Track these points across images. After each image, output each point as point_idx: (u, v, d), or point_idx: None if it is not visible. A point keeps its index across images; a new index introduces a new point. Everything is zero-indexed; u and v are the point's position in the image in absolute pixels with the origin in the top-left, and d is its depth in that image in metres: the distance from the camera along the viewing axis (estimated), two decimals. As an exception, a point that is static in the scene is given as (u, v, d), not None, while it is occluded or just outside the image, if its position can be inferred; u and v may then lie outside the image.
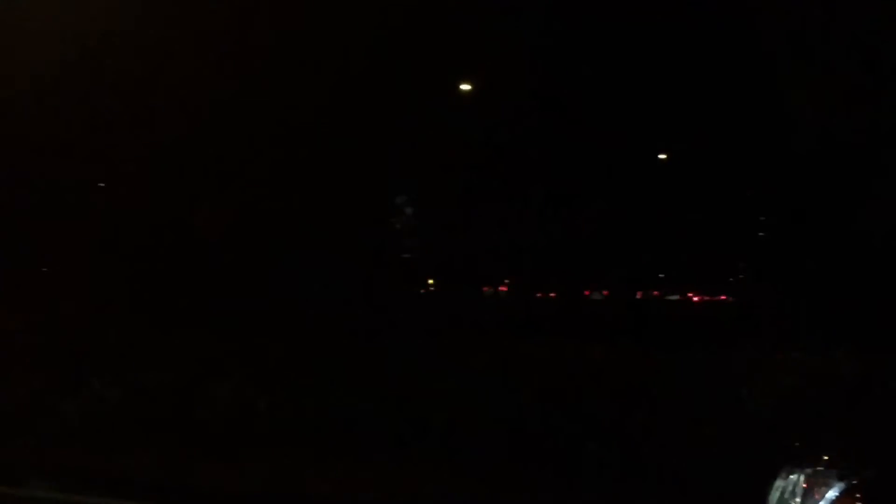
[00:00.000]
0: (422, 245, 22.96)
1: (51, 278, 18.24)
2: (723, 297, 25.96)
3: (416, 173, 21.24)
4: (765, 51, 16.99)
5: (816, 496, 5.31)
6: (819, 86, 16.48)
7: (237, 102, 18.12)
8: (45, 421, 12.57)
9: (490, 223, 21.86)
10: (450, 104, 20.89)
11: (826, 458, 5.50)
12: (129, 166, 18.40)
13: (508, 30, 18.43)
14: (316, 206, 19.98)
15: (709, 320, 21.92)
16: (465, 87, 21.06)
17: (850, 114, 16.50)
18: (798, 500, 5.34)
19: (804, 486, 5.32)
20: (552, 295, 25.74)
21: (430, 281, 25.07)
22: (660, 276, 25.90)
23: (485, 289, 26.00)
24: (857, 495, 5.29)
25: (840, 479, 5.35)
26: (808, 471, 5.36)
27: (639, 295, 26.34)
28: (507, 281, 26.05)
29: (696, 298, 26.43)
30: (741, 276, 25.29)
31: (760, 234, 23.52)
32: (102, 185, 19.09)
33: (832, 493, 5.29)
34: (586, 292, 26.28)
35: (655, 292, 26.34)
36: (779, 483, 5.41)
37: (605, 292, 26.16)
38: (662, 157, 23.08)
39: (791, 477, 5.38)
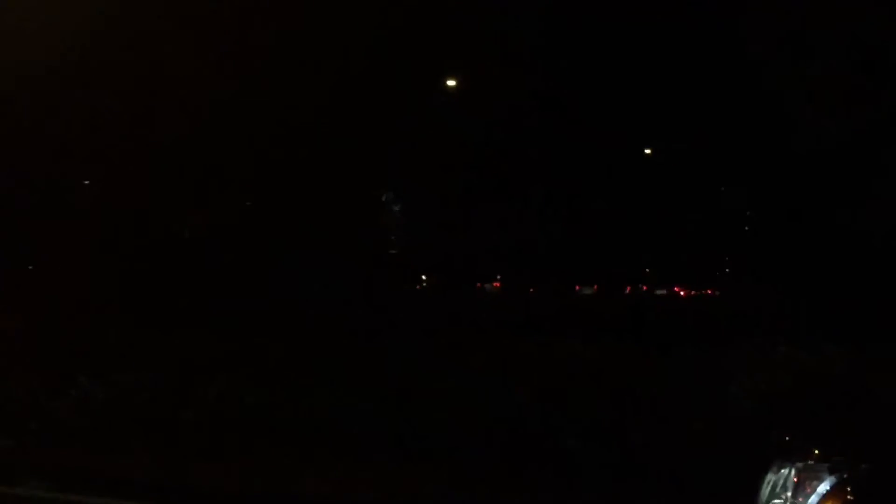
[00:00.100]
0: (417, 243, 23.03)
1: (50, 278, 18.20)
2: (709, 292, 26.43)
3: (412, 172, 21.29)
4: (759, 50, 17.15)
5: (808, 490, 5.36)
6: (813, 84, 16.67)
7: (236, 102, 18.14)
8: (44, 420, 12.57)
9: (484, 221, 22.01)
10: (445, 102, 20.92)
11: (817, 452, 5.56)
12: (129, 166, 18.41)
13: (502, 27, 18.49)
14: (314, 205, 20.01)
15: (699, 315, 22.10)
16: (455, 83, 21.03)
17: (842, 112, 16.57)
18: (789, 493, 5.40)
19: (795, 479, 5.38)
20: (543, 290, 25.96)
21: (424, 277, 25.25)
22: (646, 270, 26.34)
23: (478, 285, 26.37)
24: (849, 489, 5.34)
25: (831, 472, 5.40)
26: (799, 465, 5.42)
27: (628, 290, 26.88)
28: (499, 277, 26.37)
29: (682, 293, 26.93)
30: (727, 271, 25.76)
31: (745, 228, 23.72)
32: (101, 184, 19.01)
33: (823, 487, 5.34)
34: (577, 287, 26.81)
35: (644, 287, 26.85)
36: (769, 477, 5.47)
37: (595, 287, 26.69)
38: (648, 152, 23.22)
39: (782, 471, 5.44)
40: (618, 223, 22.97)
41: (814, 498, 5.27)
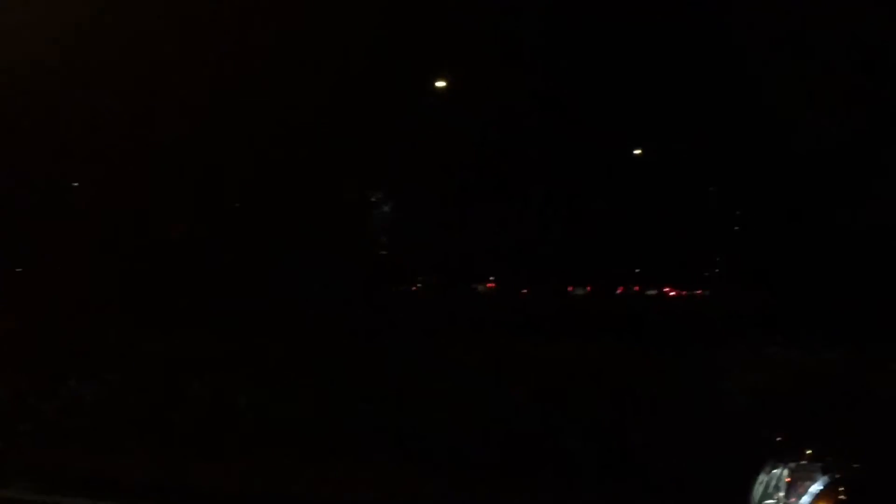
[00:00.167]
0: (412, 242, 23.05)
1: (48, 278, 18.15)
2: (698, 292, 26.46)
3: (409, 172, 21.25)
4: (756, 50, 17.26)
5: (800, 490, 5.40)
6: (812, 84, 16.67)
7: (235, 102, 18.07)
8: (36, 421, 12.54)
9: (479, 221, 22.02)
10: (441, 101, 20.83)
11: (809, 452, 5.60)
12: (127, 166, 18.36)
13: (488, 24, 18.47)
14: (312, 205, 19.96)
15: (692, 315, 22.16)
16: (448, 82, 20.92)
17: (841, 112, 16.54)
18: (782, 494, 5.43)
19: (787, 480, 5.42)
20: (539, 291, 25.99)
21: (420, 279, 25.21)
22: (636, 270, 26.36)
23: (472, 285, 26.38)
24: (841, 489, 5.37)
25: (824, 472, 5.43)
26: (792, 465, 5.43)
27: (620, 290, 26.96)
28: (492, 278, 26.34)
29: (672, 293, 26.98)
30: (717, 271, 25.80)
31: (736, 228, 23.74)
32: (99, 184, 18.90)
33: (816, 487, 5.37)
34: (570, 287, 26.71)
35: (636, 287, 26.91)
36: (762, 478, 5.50)
37: (588, 288, 26.66)
38: (639, 152, 23.24)
39: (774, 471, 5.47)
40: (612, 223, 23.04)
41: (806, 498, 5.28)
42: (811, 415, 9.54)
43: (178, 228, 18.88)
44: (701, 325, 18.46)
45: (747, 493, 5.53)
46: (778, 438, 6.04)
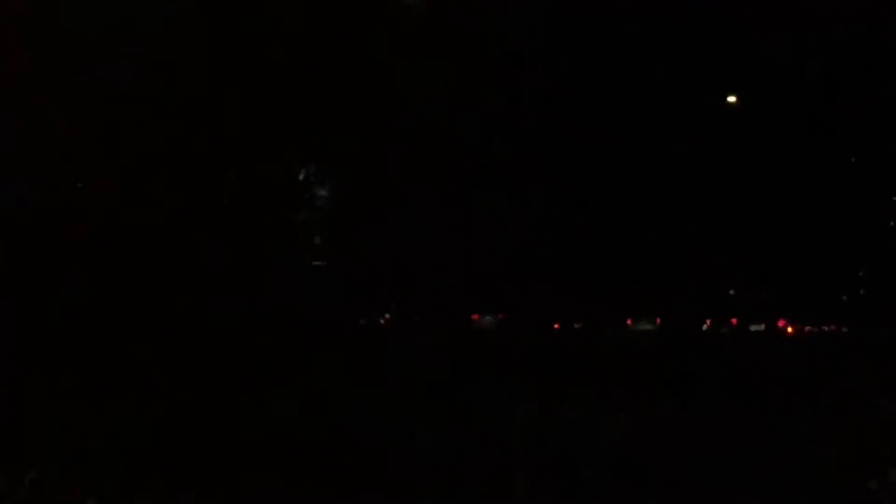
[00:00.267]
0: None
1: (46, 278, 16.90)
2: (830, 328, 19.45)
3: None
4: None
5: None
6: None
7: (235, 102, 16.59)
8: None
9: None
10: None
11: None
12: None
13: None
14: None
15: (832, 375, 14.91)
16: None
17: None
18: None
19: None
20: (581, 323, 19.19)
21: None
22: (731, 292, 19.27)
23: (475, 317, 19.15)
24: None
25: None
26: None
27: (708, 324, 19.54)
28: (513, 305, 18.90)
29: (790, 329, 19.56)
30: (863, 292, 18.84)
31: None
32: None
33: None
34: (629, 321, 19.53)
35: (734, 321, 19.38)
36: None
37: (657, 320, 19.24)
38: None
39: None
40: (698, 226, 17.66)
41: None
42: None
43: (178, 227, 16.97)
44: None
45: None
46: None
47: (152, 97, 15.56)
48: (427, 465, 10.44)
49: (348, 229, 18.33)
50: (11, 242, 15.49)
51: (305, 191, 17.91)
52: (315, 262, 18.14)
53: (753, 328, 19.54)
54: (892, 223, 18.49)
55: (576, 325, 19.16)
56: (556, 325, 19.04)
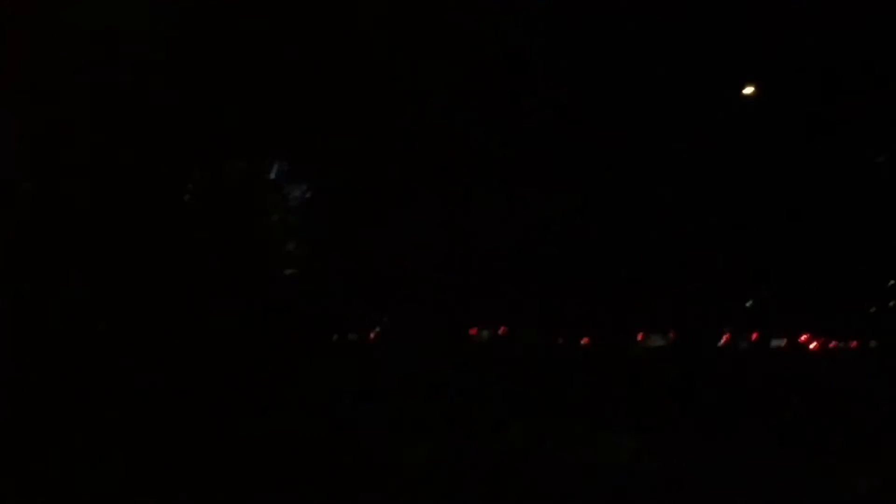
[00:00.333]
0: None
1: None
2: (853, 344, 18.02)
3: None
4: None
5: None
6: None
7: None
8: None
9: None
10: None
11: None
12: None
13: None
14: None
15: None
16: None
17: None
18: None
19: None
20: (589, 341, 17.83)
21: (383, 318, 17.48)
22: (747, 304, 17.78)
23: (473, 331, 17.83)
24: None
25: None
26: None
27: (725, 338, 17.91)
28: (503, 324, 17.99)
29: (813, 345, 18.21)
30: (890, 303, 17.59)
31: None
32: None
33: None
34: (640, 336, 18.12)
35: (754, 335, 17.90)
36: None
37: (672, 335, 17.85)
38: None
39: None
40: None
41: None
42: None
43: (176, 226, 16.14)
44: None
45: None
46: None
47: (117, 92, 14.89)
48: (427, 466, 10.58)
49: (328, 233, 17.19)
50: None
51: (276, 190, 16.87)
52: (287, 271, 16.99)
53: (774, 343, 18.34)
54: None
55: (582, 342, 18.10)
56: (559, 341, 17.94)
